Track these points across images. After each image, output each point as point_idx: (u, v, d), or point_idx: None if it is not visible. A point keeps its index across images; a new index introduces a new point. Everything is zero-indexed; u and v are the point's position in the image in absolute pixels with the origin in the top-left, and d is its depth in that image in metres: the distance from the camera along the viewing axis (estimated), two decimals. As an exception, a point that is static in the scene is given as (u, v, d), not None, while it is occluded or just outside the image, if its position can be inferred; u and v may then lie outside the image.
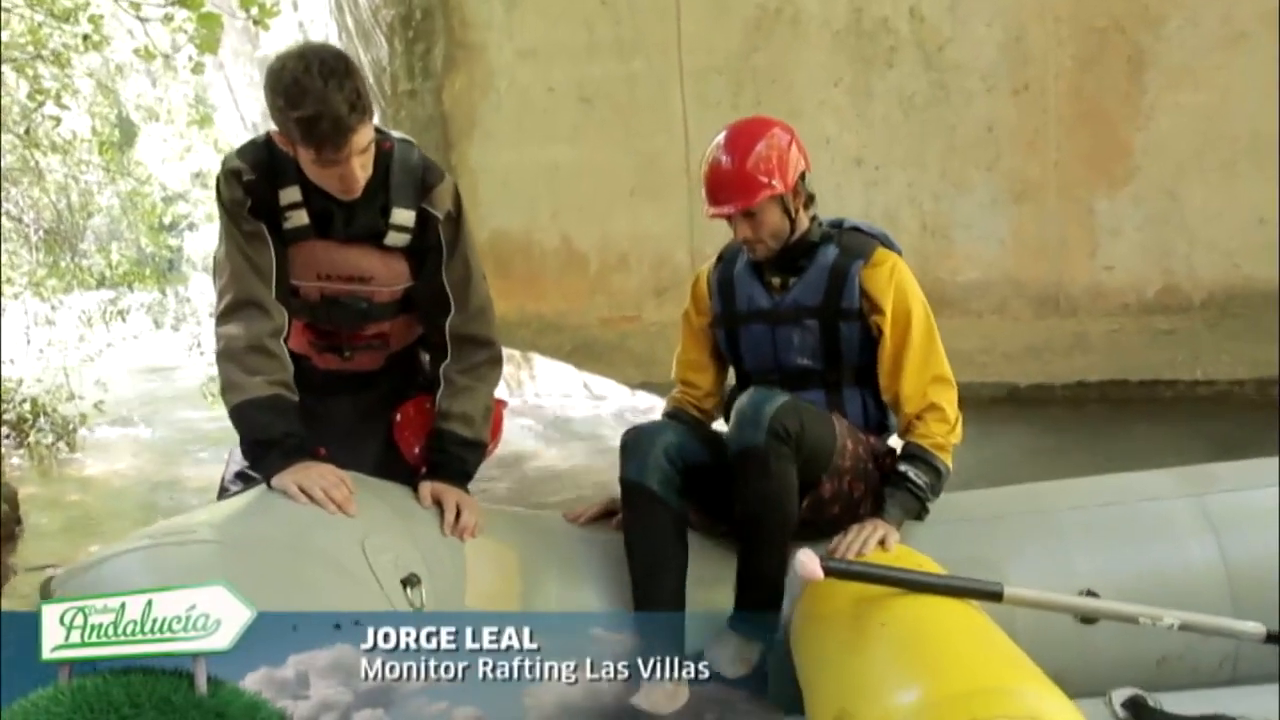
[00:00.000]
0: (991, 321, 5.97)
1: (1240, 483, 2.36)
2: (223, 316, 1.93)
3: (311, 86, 1.75)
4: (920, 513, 2.18)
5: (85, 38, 6.32)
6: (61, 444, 6.31)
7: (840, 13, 6.14)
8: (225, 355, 1.91)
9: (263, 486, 1.86)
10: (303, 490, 1.79)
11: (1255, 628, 2.04)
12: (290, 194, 1.93)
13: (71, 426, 6.40)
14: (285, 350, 1.94)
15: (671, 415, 2.40)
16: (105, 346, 7.13)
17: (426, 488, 2.04)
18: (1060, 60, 5.80)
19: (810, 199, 2.23)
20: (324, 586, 1.60)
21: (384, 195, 1.95)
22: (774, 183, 2.14)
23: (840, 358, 2.21)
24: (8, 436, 6.19)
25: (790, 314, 2.22)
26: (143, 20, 5.84)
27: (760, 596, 2.11)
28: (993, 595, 1.91)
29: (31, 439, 6.24)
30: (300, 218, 1.93)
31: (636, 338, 6.83)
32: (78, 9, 6.36)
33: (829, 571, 1.84)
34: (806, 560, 1.82)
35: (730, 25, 6.36)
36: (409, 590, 1.79)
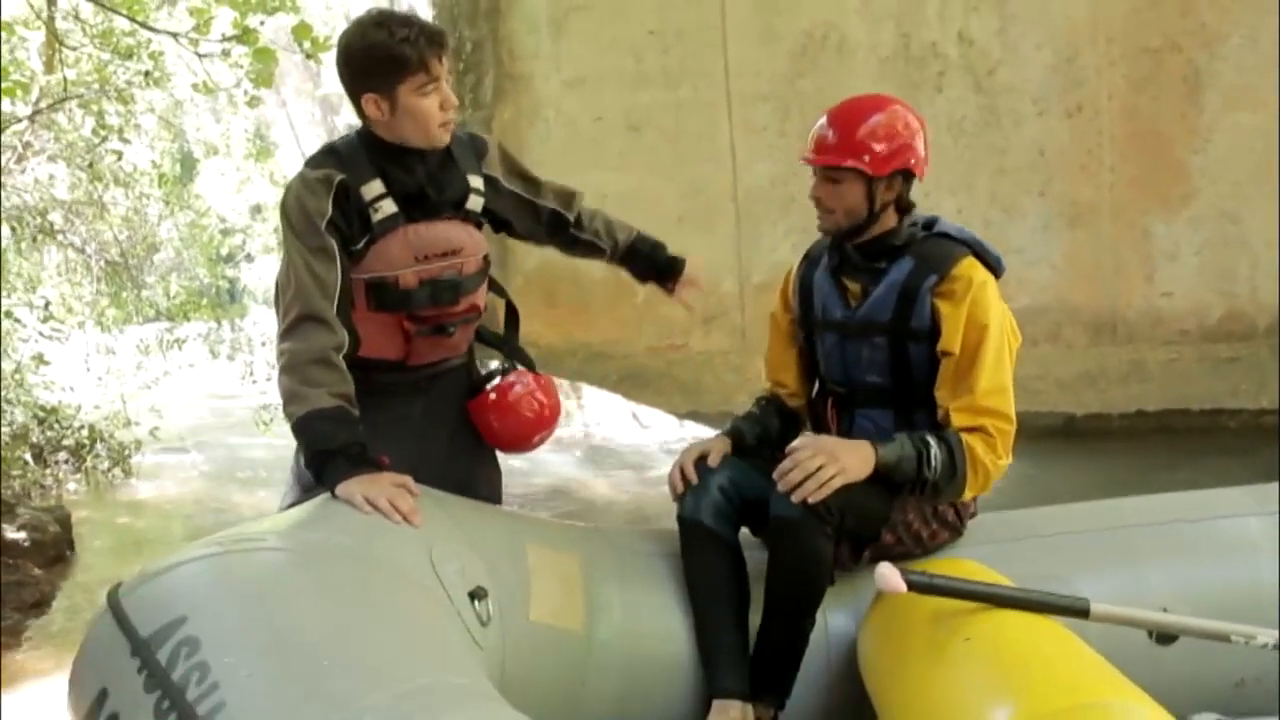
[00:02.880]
0: (1045, 349, 5.84)
1: None
2: (286, 333, 1.97)
3: (397, 16, 2.03)
4: (915, 473, 1.98)
5: (146, 74, 6.52)
6: (117, 470, 6.43)
7: (887, 38, 6.11)
8: (288, 369, 1.93)
9: (326, 496, 1.86)
10: (368, 500, 1.80)
11: None
12: (373, 188, 2.02)
13: (127, 452, 6.51)
14: (344, 365, 1.96)
15: (765, 401, 2.39)
16: (162, 375, 7.28)
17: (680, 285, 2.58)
18: (1113, 81, 5.70)
19: (907, 204, 2.15)
20: (394, 596, 1.58)
21: (454, 164, 2.11)
22: (866, 158, 2.05)
23: (910, 377, 2.12)
24: (66, 461, 6.32)
25: (860, 329, 2.15)
26: (201, 56, 6.00)
27: (775, 665, 2.08)
28: (1079, 611, 1.86)
29: (88, 464, 6.36)
30: (388, 207, 2.03)
31: (683, 366, 6.80)
32: (140, 46, 6.56)
33: (912, 585, 1.79)
34: (888, 573, 1.77)
35: (777, 52, 6.36)
36: (476, 603, 1.78)
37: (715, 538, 2.14)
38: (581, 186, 7.23)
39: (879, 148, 2.05)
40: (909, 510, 2.14)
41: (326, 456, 1.88)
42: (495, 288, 2.31)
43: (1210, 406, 5.57)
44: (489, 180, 2.17)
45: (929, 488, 2.00)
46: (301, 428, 1.90)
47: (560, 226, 2.35)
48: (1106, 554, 2.24)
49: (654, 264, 2.51)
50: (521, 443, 2.30)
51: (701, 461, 2.20)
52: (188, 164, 8.92)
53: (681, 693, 2.08)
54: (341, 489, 1.83)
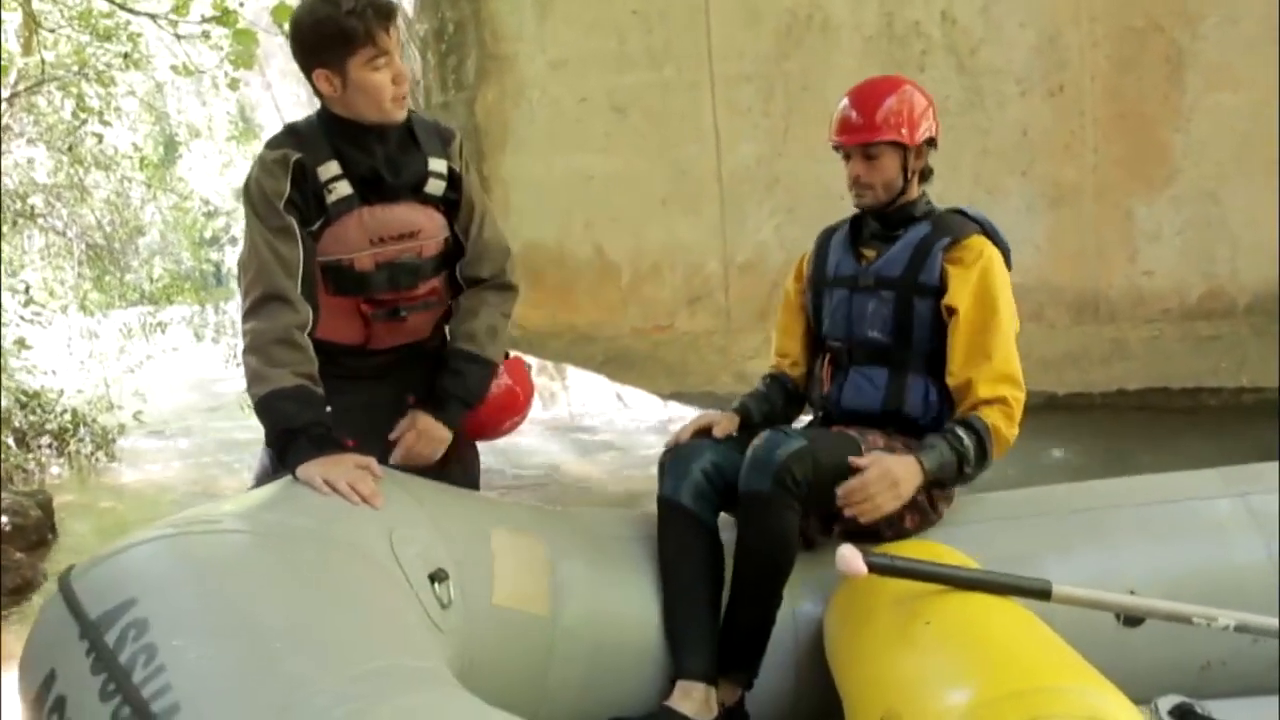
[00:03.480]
0: (1028, 328, 5.77)
1: None
2: (249, 313, 1.96)
3: None
4: (956, 475, 2.09)
5: (125, 56, 6.46)
6: (100, 453, 6.42)
7: (871, 18, 6.08)
8: (251, 349, 1.94)
9: (289, 478, 1.86)
10: (328, 482, 1.79)
11: None
12: (329, 169, 2.01)
13: (111, 436, 6.51)
14: (309, 344, 1.96)
15: (770, 379, 2.45)
16: (145, 358, 7.26)
17: (409, 419, 2.11)
18: (1096, 61, 5.68)
19: (928, 172, 2.27)
20: (351, 578, 1.58)
21: (415, 146, 2.08)
22: (902, 131, 2.18)
23: (910, 336, 2.19)
24: (49, 446, 6.30)
25: (870, 283, 2.24)
26: (180, 38, 5.96)
27: (743, 643, 2.09)
28: (1040, 593, 1.87)
29: (72, 448, 6.35)
30: (343, 188, 2.02)
31: (669, 348, 6.79)
32: (119, 28, 6.50)
33: (872, 568, 1.79)
34: (849, 555, 1.78)
35: (761, 32, 6.33)
36: (436, 586, 1.78)
37: (693, 519, 2.14)
38: (566, 169, 7.17)
39: (908, 120, 2.19)
40: None
41: (289, 436, 1.88)
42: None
43: (1191, 385, 5.59)
44: (451, 170, 2.13)
45: (967, 480, 2.12)
46: (264, 407, 1.90)
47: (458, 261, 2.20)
48: (1077, 536, 2.25)
49: (438, 382, 2.17)
50: (493, 428, 2.29)
51: (699, 435, 2.22)
52: (170, 147, 8.86)
53: (648, 677, 2.08)
54: (302, 470, 1.82)
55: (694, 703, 2.02)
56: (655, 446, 5.98)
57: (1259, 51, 5.39)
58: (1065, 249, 5.83)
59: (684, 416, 6.67)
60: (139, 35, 6.44)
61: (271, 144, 2.06)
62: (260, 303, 1.94)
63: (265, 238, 1.96)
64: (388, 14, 1.96)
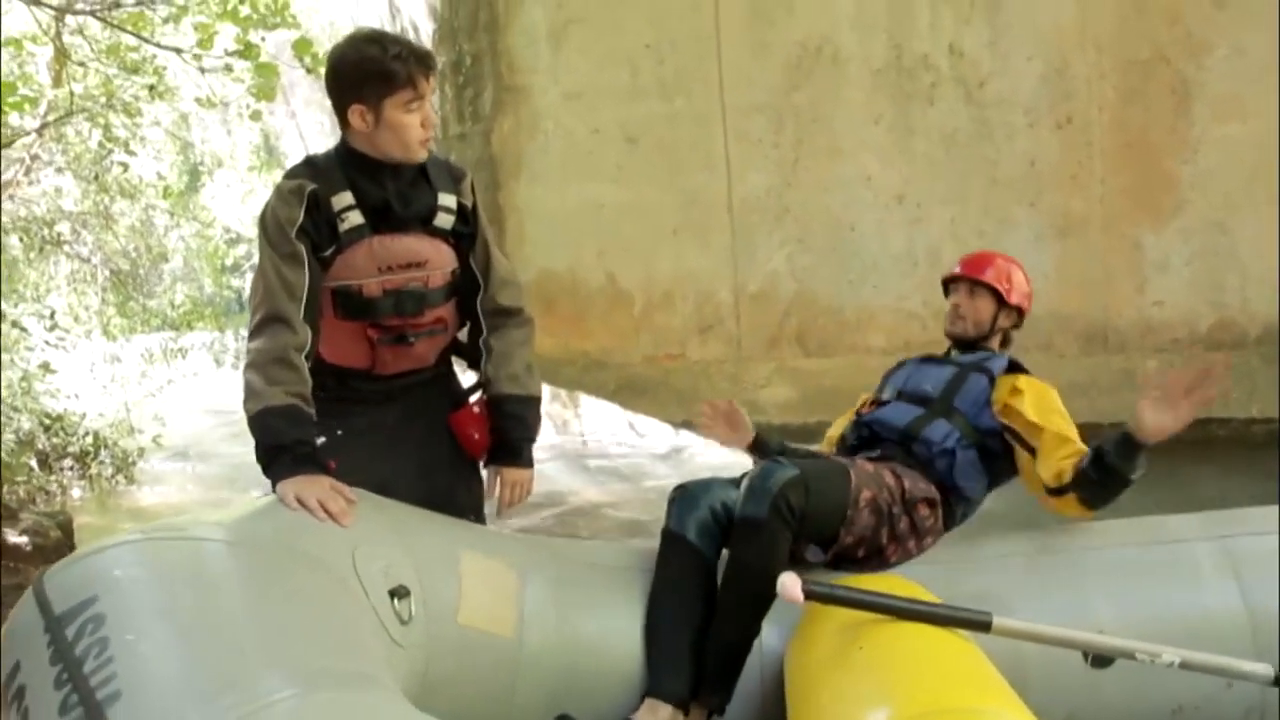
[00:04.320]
0: (1036, 358, 5.78)
1: (1268, 526, 2.29)
2: (254, 332, 2.06)
3: (390, 35, 2.13)
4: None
5: (151, 88, 6.64)
6: (120, 476, 6.53)
7: (880, 50, 6.15)
8: (251, 366, 2.02)
9: (270, 496, 1.93)
10: (299, 499, 1.87)
11: (1263, 669, 1.95)
12: (343, 199, 2.10)
13: (131, 459, 6.62)
14: (305, 365, 2.04)
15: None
16: (166, 383, 7.38)
17: (494, 474, 2.28)
18: (1103, 92, 5.72)
19: (1009, 338, 2.67)
20: (308, 586, 1.63)
21: (426, 181, 2.18)
22: (1005, 285, 2.59)
23: (957, 390, 2.47)
24: (71, 468, 6.43)
25: (938, 361, 2.63)
26: (203, 71, 6.12)
27: (720, 666, 2.13)
28: (980, 625, 1.88)
29: (93, 470, 6.47)
30: (355, 217, 2.11)
31: (680, 375, 6.85)
32: (145, 61, 6.68)
33: (810, 595, 1.84)
34: (789, 583, 1.83)
35: (771, 64, 6.42)
36: (396, 601, 1.82)
37: (695, 553, 2.21)
38: (579, 199, 7.27)
39: (1012, 284, 2.61)
40: (870, 522, 2.21)
41: (275, 452, 1.95)
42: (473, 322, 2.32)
43: (1201, 415, 5.55)
44: (461, 205, 2.23)
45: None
46: (257, 423, 1.98)
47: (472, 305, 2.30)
48: (1051, 578, 2.26)
49: (500, 432, 2.29)
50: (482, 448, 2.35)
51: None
52: (195, 175, 9.07)
53: (615, 702, 2.10)
54: (279, 487, 1.90)
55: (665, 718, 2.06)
56: (664, 475, 6.04)
57: (1265, 82, 5.41)
58: (1073, 279, 5.85)
59: (694, 445, 6.73)
60: (164, 68, 6.62)
61: (289, 174, 2.17)
62: (264, 324, 2.03)
63: (275, 263, 2.05)
64: (429, 64, 2.09)
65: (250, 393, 1.99)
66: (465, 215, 2.23)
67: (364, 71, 2.06)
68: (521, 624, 2.07)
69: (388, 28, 8.41)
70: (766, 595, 2.09)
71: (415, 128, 2.08)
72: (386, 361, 2.23)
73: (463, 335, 2.37)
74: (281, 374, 1.99)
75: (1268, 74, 5.41)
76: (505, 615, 2.06)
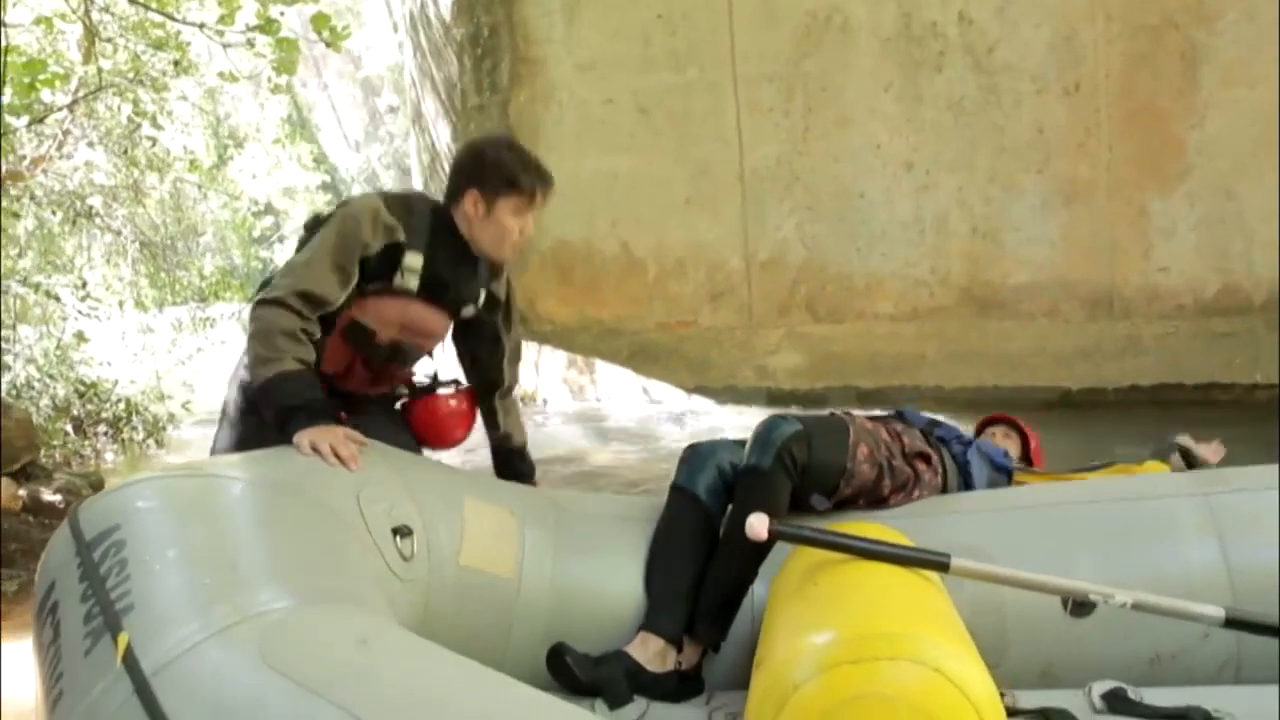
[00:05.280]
0: (1042, 324, 5.92)
1: (1252, 484, 2.30)
2: (268, 303, 2.14)
3: (528, 152, 2.34)
4: None
5: (176, 63, 6.81)
6: (151, 440, 6.78)
7: (889, 19, 6.19)
8: (259, 334, 2.12)
9: (286, 446, 2.04)
10: (313, 445, 1.99)
11: (1214, 611, 1.96)
12: (414, 259, 2.25)
13: (161, 425, 6.86)
14: (311, 348, 2.15)
15: None
16: (195, 351, 7.60)
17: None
18: (1111, 59, 5.73)
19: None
20: (315, 525, 1.75)
21: (475, 274, 2.39)
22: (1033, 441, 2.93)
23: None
24: (104, 433, 6.68)
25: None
26: (225, 46, 6.27)
27: (716, 603, 2.22)
28: (939, 565, 1.96)
29: (125, 436, 6.71)
30: (412, 281, 2.27)
31: (692, 342, 6.97)
32: (170, 37, 6.84)
33: (775, 534, 1.95)
34: (756, 522, 1.93)
35: (781, 34, 6.47)
36: (399, 539, 1.93)
37: (700, 506, 2.31)
38: (594, 169, 7.39)
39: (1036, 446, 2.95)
40: (870, 475, 2.32)
41: (290, 412, 2.08)
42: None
43: (1204, 381, 5.61)
44: (490, 296, 2.46)
45: None
46: (269, 387, 2.09)
47: (482, 366, 2.57)
48: (1035, 533, 2.29)
49: (510, 467, 2.66)
50: (441, 439, 2.58)
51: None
52: (224, 149, 9.27)
53: (608, 640, 2.19)
54: (296, 436, 2.02)
55: (648, 652, 2.16)
56: (675, 437, 6.18)
57: (1274, 47, 5.40)
58: (1080, 245, 5.89)
59: (704, 408, 6.86)
60: (188, 44, 6.77)
61: (389, 202, 2.29)
62: (282, 301, 2.13)
63: (323, 267, 2.18)
64: (549, 184, 2.31)
65: (260, 359, 2.09)
66: (492, 304, 2.47)
67: (497, 167, 2.26)
68: (521, 566, 2.19)
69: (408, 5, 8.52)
70: (763, 544, 2.23)
71: (514, 232, 2.28)
72: (357, 385, 2.40)
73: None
74: (290, 345, 2.10)
75: (1277, 39, 5.40)
76: (506, 558, 2.18)
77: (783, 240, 6.65)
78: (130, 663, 1.23)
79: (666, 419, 6.80)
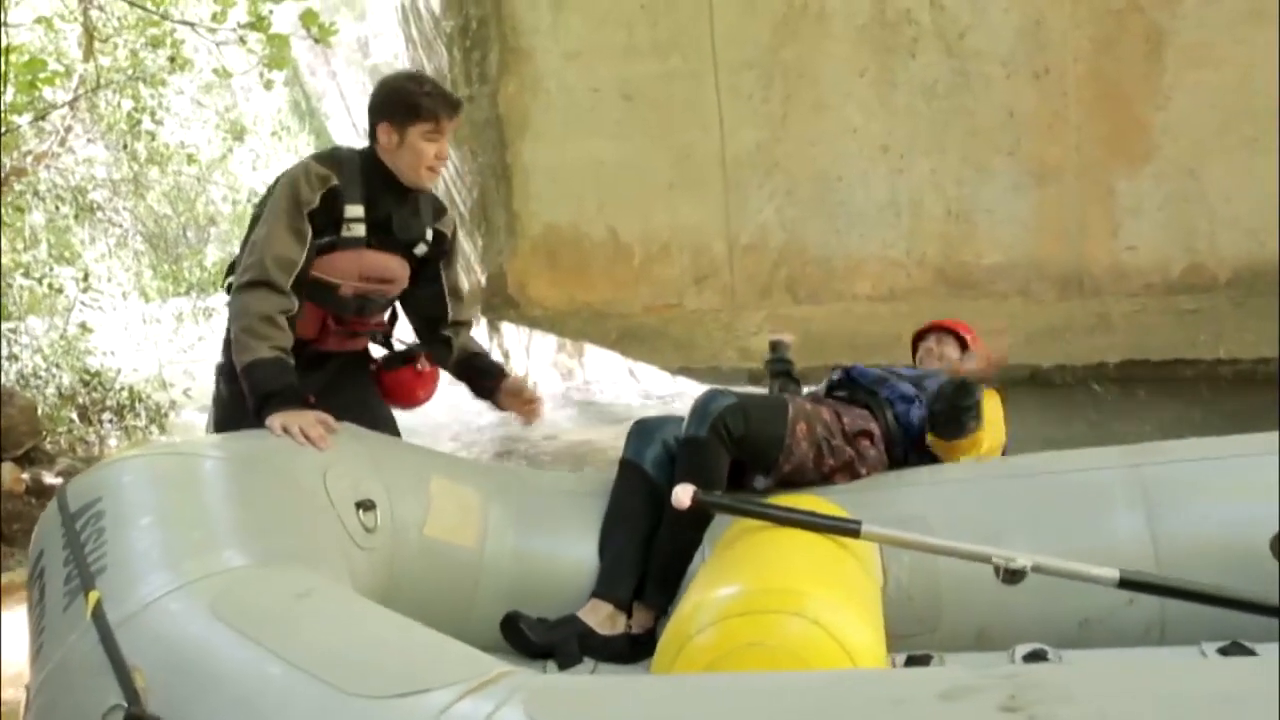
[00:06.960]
0: (1014, 303, 6.08)
1: (1183, 456, 2.41)
2: (245, 287, 2.32)
3: (429, 78, 2.59)
4: None
5: (171, 60, 6.99)
6: (154, 427, 7.01)
7: (863, 6, 6.30)
8: (238, 322, 2.32)
9: (261, 429, 2.25)
10: (284, 427, 2.19)
11: (1108, 573, 2.07)
12: (354, 210, 2.43)
13: (163, 412, 7.09)
14: (288, 326, 2.34)
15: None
16: (197, 340, 7.82)
17: (504, 395, 2.79)
18: (1078, 43, 5.84)
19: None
20: (279, 497, 1.93)
21: (418, 214, 2.57)
22: (967, 337, 3.12)
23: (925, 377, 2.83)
24: (109, 420, 6.91)
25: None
26: (218, 44, 6.45)
27: (663, 571, 2.38)
28: (850, 531, 2.15)
29: (128, 423, 6.94)
30: (358, 230, 2.45)
31: (677, 324, 7.13)
32: (165, 35, 7.03)
33: (697, 503, 2.14)
34: (680, 492, 2.12)
35: (760, 22, 6.59)
36: (361, 512, 2.13)
37: (648, 479, 2.49)
38: (580, 155, 7.53)
39: (974, 335, 3.17)
40: (808, 453, 2.49)
41: (265, 398, 2.27)
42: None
43: (1170, 357, 5.76)
44: (438, 234, 2.64)
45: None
46: (248, 373, 2.29)
47: (426, 313, 2.77)
48: (973, 504, 2.42)
49: (473, 367, 2.84)
50: (407, 398, 2.78)
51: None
52: (226, 142, 9.46)
53: (566, 605, 2.38)
54: (269, 419, 2.22)
55: (599, 617, 2.34)
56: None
57: (1237, 30, 5.51)
58: (1050, 225, 6.02)
59: (690, 389, 7.03)
60: (181, 42, 6.95)
61: (319, 159, 2.49)
62: (253, 285, 2.31)
63: (279, 232, 2.35)
64: (454, 108, 2.49)
65: (242, 346, 2.29)
66: (440, 242, 2.64)
67: (398, 98, 2.45)
68: (484, 538, 2.37)
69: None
70: (704, 511, 2.39)
71: (429, 155, 2.44)
72: (331, 343, 2.58)
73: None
74: (268, 330, 2.29)
75: (1240, 23, 5.51)
76: (469, 529, 2.36)
77: (763, 224, 6.81)
78: (99, 616, 1.43)
79: (652, 401, 6.99)
